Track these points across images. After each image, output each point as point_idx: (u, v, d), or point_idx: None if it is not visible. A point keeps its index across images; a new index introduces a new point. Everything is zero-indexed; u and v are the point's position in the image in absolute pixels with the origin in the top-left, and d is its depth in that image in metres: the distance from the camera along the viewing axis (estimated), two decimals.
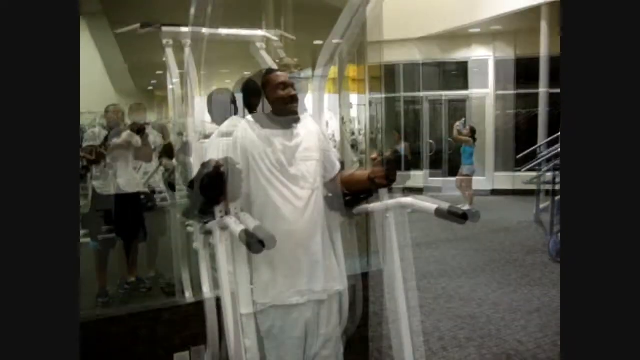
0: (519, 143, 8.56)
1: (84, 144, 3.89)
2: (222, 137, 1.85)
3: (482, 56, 9.98)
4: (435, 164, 10.45)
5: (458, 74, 10.55)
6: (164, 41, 2.24)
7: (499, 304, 4.10)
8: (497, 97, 10.06)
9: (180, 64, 2.23)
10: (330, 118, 2.79)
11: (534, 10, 7.51)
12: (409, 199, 1.66)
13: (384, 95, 9.43)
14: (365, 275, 2.94)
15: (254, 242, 1.34)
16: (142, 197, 4.27)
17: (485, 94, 10.04)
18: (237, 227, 1.44)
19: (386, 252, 1.75)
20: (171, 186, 3.44)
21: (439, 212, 1.53)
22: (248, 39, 2.42)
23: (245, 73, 1.99)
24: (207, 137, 2.28)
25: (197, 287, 2.47)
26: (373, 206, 1.79)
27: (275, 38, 2.54)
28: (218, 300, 1.71)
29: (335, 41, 1.86)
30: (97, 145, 3.78)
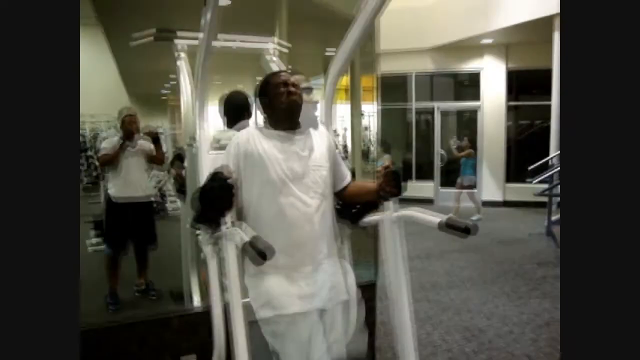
0: (531, 154, 8.50)
1: (100, 152, 3.96)
2: (217, 150, 1.87)
3: (478, 68, 9.95)
4: (448, 175, 10.43)
5: (469, 85, 10.53)
6: (176, 53, 2.27)
7: (508, 316, 4.07)
8: (509, 108, 10.02)
9: (191, 74, 2.27)
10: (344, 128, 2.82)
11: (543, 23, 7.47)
12: (413, 212, 1.67)
13: (378, 106, 9.40)
14: (373, 285, 2.95)
15: (255, 255, 1.36)
16: (154, 204, 4.32)
17: (496, 104, 9.99)
18: (240, 239, 1.46)
19: (390, 262, 1.76)
20: (181, 193, 3.48)
21: (441, 226, 1.54)
22: (258, 51, 2.45)
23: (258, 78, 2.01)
24: (219, 147, 2.31)
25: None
26: (379, 217, 1.80)
27: (285, 50, 2.58)
28: (225, 308, 1.72)
29: (345, 51, 1.88)
30: (111, 153, 3.84)
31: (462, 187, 8.36)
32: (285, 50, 2.65)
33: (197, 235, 2.10)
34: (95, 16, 5.46)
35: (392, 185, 1.70)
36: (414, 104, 10.65)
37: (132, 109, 4.12)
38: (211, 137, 2.40)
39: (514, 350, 3.44)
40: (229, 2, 2.30)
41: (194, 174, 1.98)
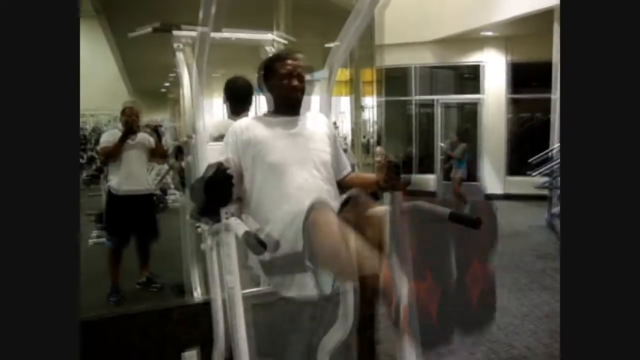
0: (532, 147, 8.49)
1: (101, 145, 3.96)
2: (214, 141, 1.86)
3: (480, 61, 9.92)
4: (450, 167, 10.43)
5: (470, 77, 10.50)
6: (175, 45, 2.27)
7: (507, 308, 4.08)
8: (510, 101, 10.00)
9: (191, 67, 2.27)
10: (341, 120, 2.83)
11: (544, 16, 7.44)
12: (422, 202, 1.66)
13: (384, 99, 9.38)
14: (376, 278, 2.95)
15: (256, 244, 1.37)
16: (155, 197, 4.34)
17: (497, 97, 9.96)
18: (240, 229, 1.47)
19: (396, 255, 1.75)
20: (182, 186, 3.49)
21: (452, 217, 1.53)
22: (257, 43, 2.44)
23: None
24: (217, 139, 2.31)
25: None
26: (385, 209, 1.79)
27: (284, 41, 2.57)
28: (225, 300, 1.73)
29: (343, 44, 1.88)
30: (111, 146, 3.84)
31: (459, 178, 8.32)
32: (285, 42, 2.65)
33: (197, 227, 2.10)
34: (97, 10, 5.45)
35: (392, 177, 1.70)
36: (415, 97, 10.63)
37: (134, 102, 4.12)
38: (211, 128, 2.41)
39: (513, 341, 3.45)
40: None
41: (194, 166, 1.98)
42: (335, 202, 1.78)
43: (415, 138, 10.71)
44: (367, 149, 5.51)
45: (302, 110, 1.87)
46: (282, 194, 1.70)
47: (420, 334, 1.47)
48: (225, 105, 2.69)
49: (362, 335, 2.67)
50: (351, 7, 1.76)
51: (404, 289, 1.74)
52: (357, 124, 4.54)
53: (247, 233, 1.43)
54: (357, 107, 5.08)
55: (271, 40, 2.48)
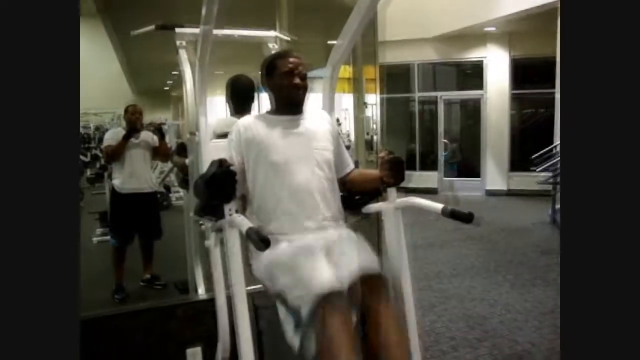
0: (535, 143, 8.47)
1: (105, 144, 3.98)
2: (217, 138, 1.86)
3: (483, 57, 9.89)
4: (451, 165, 10.45)
5: (472, 74, 10.48)
6: (178, 43, 2.27)
7: (511, 304, 4.08)
8: (513, 97, 9.97)
9: (194, 65, 2.27)
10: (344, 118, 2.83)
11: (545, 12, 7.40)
12: (416, 199, 1.67)
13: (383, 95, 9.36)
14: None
15: (258, 241, 1.38)
16: (159, 195, 4.36)
17: (500, 93, 9.94)
18: (244, 225, 1.47)
19: (393, 250, 1.76)
20: (185, 184, 3.50)
21: (445, 212, 1.55)
22: (260, 40, 2.45)
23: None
24: (220, 136, 2.31)
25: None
26: (381, 205, 1.80)
27: (287, 38, 2.57)
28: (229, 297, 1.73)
29: (346, 41, 1.88)
30: (115, 145, 3.86)
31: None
32: (288, 39, 2.65)
33: (201, 225, 2.11)
34: (99, 9, 5.46)
35: (395, 173, 1.70)
36: (417, 94, 10.61)
37: (137, 105, 4.14)
38: (214, 125, 2.41)
39: (517, 337, 3.45)
40: None
41: (196, 163, 1.99)
42: (335, 201, 1.79)
43: (417, 135, 10.69)
44: (370, 145, 5.51)
45: (304, 107, 1.87)
46: (284, 193, 1.71)
47: None
48: (227, 104, 2.69)
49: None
50: (353, 4, 1.76)
51: (406, 286, 1.76)
52: (360, 121, 4.54)
53: (250, 229, 1.44)
54: (360, 104, 5.08)
55: (274, 37, 2.48)
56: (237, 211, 1.60)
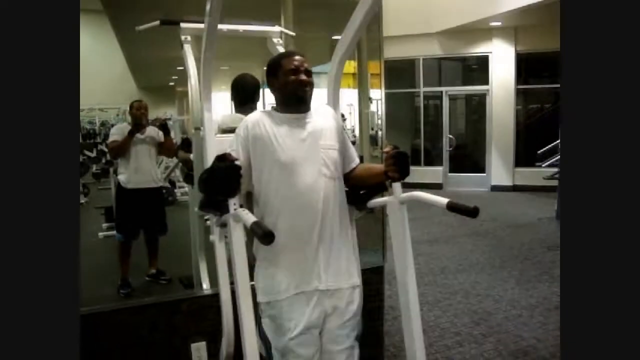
0: (541, 138, 8.44)
1: (110, 139, 4.00)
2: (222, 133, 1.86)
3: (488, 52, 9.83)
4: (455, 160, 10.42)
5: (477, 69, 10.43)
6: (182, 37, 2.27)
7: (516, 300, 4.08)
8: (518, 92, 9.93)
9: (198, 60, 2.27)
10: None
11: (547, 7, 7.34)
12: (421, 193, 1.66)
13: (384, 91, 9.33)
14: (381, 269, 2.97)
15: (263, 234, 1.38)
16: (164, 190, 4.37)
17: (505, 88, 9.89)
18: (249, 219, 1.48)
19: (397, 245, 1.76)
20: (189, 179, 3.51)
21: (450, 206, 1.54)
22: (264, 35, 2.44)
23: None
24: (225, 131, 2.32)
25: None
26: (386, 200, 1.79)
27: (291, 33, 2.57)
28: (233, 292, 1.74)
29: (350, 36, 1.87)
30: (120, 140, 3.87)
31: None
32: (293, 34, 2.64)
33: (206, 220, 2.12)
34: (104, 5, 5.46)
35: (399, 167, 1.70)
36: (422, 89, 10.58)
37: (142, 101, 4.15)
38: (219, 121, 2.41)
39: (522, 333, 3.45)
40: None
41: (201, 158, 1.99)
42: (341, 202, 1.79)
43: (422, 130, 10.66)
44: (375, 141, 5.50)
45: (310, 105, 1.86)
46: (291, 192, 1.71)
47: None
48: (232, 103, 2.70)
49: (370, 327, 2.69)
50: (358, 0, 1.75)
51: (411, 281, 1.76)
52: (365, 116, 4.53)
53: (255, 223, 1.44)
54: (365, 100, 5.07)
55: (278, 32, 2.47)
56: (241, 206, 1.61)
